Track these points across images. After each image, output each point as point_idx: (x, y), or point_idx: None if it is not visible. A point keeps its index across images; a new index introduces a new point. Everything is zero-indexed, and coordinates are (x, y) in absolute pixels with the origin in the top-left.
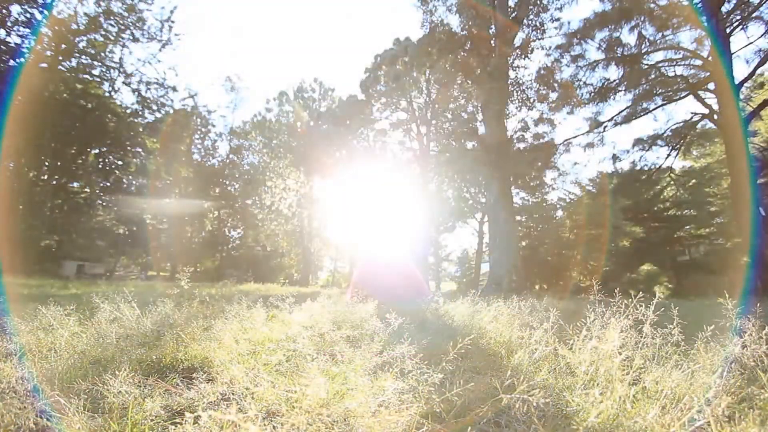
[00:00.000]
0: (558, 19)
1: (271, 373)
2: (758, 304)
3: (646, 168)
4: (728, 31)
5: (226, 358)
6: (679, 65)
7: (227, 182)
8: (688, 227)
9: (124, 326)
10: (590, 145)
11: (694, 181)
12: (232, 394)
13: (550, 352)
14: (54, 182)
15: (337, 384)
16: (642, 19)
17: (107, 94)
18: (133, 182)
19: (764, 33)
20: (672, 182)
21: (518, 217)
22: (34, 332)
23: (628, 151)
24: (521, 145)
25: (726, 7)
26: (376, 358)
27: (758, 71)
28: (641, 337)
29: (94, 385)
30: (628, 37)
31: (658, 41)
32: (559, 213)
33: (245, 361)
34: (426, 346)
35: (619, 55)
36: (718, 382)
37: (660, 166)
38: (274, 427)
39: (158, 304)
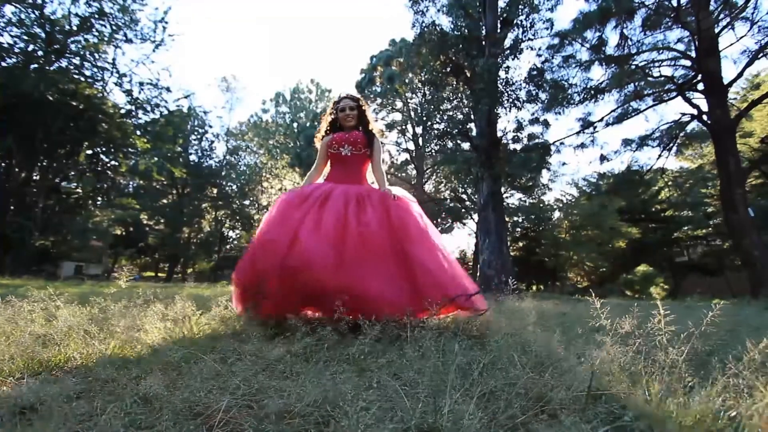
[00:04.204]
0: (549, 20)
1: None
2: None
3: (640, 169)
4: (716, 31)
5: None
6: (669, 66)
7: (224, 183)
8: (685, 228)
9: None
10: (582, 145)
11: (690, 182)
12: None
13: None
14: (47, 183)
15: None
16: (630, 19)
17: (100, 95)
18: (130, 183)
19: (760, 37)
20: (669, 183)
21: (515, 218)
22: None
23: (617, 152)
24: (516, 146)
25: (713, 6)
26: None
27: (755, 72)
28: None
29: None
30: (616, 38)
31: (647, 42)
32: (556, 214)
33: None
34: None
35: (607, 55)
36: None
37: (651, 167)
38: None
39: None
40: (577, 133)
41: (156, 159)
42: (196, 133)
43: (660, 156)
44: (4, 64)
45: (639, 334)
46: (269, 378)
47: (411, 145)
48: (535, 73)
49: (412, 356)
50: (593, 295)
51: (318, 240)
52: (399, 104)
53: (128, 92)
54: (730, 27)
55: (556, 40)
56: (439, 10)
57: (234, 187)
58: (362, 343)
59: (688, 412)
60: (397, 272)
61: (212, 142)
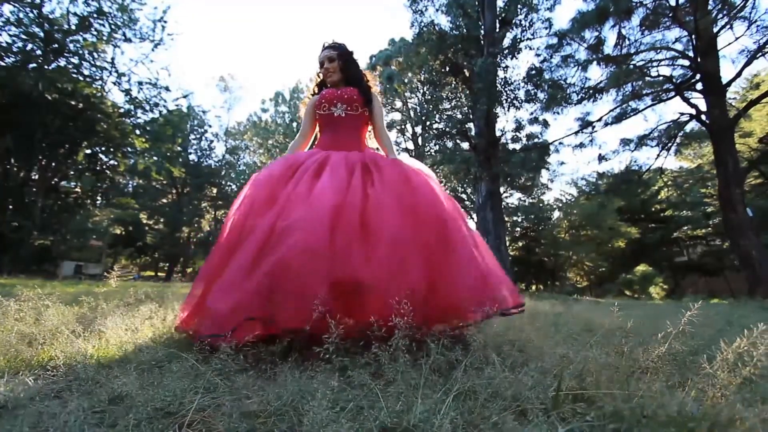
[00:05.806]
0: (547, 20)
1: None
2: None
3: (639, 168)
4: (715, 30)
5: None
6: (667, 65)
7: (224, 182)
8: (685, 228)
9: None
10: (581, 145)
11: (689, 181)
12: None
13: None
14: (45, 182)
15: None
16: (628, 18)
17: (98, 94)
18: (129, 182)
19: (759, 37)
20: (668, 183)
21: (514, 218)
22: None
23: (616, 152)
24: (515, 146)
25: (712, 6)
26: None
27: (754, 71)
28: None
29: None
30: (615, 38)
31: (645, 41)
32: (556, 213)
33: None
34: None
35: (605, 55)
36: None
37: (650, 167)
38: None
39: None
40: (576, 132)
41: (155, 158)
42: (195, 132)
43: (659, 156)
44: (2, 63)
45: (620, 334)
46: (249, 377)
47: (410, 145)
48: (533, 72)
49: (394, 355)
50: (574, 294)
51: (310, 221)
52: (398, 104)
53: (127, 92)
54: (728, 26)
55: (555, 40)
56: (437, 10)
57: (233, 186)
58: (346, 342)
59: (663, 412)
60: (417, 266)
61: (211, 141)
